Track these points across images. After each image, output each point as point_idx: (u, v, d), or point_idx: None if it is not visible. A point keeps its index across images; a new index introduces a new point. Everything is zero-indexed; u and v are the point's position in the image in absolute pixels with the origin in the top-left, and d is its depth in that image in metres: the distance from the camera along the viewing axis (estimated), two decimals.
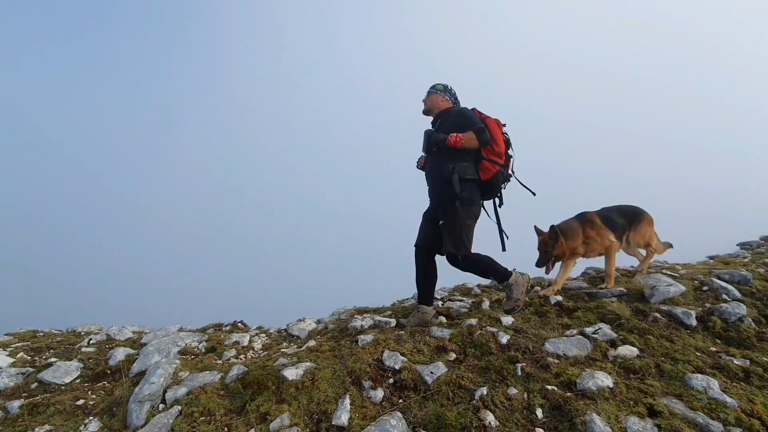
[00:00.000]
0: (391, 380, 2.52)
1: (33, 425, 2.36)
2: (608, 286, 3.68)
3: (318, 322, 3.69)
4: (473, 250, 3.19)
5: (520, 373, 2.51)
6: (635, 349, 2.72)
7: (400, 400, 2.39)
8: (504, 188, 3.38)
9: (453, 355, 2.75)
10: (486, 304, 3.56)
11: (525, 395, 2.37)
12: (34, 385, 2.83)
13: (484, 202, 3.37)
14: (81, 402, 2.57)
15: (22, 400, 2.59)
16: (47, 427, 2.33)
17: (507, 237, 3.31)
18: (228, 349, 3.09)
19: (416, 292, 3.37)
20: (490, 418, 2.16)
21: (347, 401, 2.32)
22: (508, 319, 3.12)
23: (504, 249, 3.28)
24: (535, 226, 3.81)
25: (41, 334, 3.89)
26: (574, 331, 2.95)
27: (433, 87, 3.53)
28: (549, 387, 2.38)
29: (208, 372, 2.70)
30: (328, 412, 2.27)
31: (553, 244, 3.65)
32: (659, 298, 3.42)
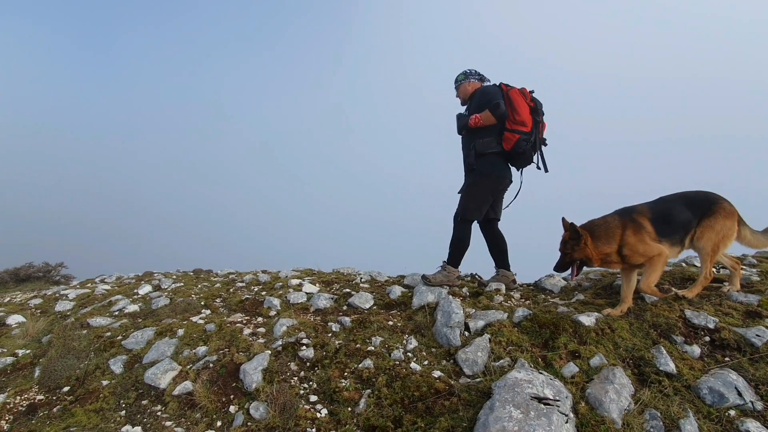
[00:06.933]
0: (707, 338, 2.43)
1: (366, 335, 3.03)
2: (619, 311, 2.75)
3: (565, 279, 3.76)
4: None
5: None
6: None
7: (726, 358, 2.29)
8: (537, 153, 3.52)
9: None
10: None
11: None
12: (344, 308, 3.62)
13: (523, 169, 3.65)
14: (391, 323, 3.18)
15: (349, 317, 3.33)
16: (380, 338, 2.95)
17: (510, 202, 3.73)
18: (495, 294, 3.40)
19: None
20: None
21: (664, 351, 2.33)
22: None
23: (507, 205, 3.76)
24: (563, 219, 2.89)
25: (316, 271, 4.91)
26: None
27: (455, 81, 3.84)
28: None
29: (493, 311, 3.03)
30: (646, 358, 2.33)
31: (573, 246, 2.82)
32: None
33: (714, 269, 3.39)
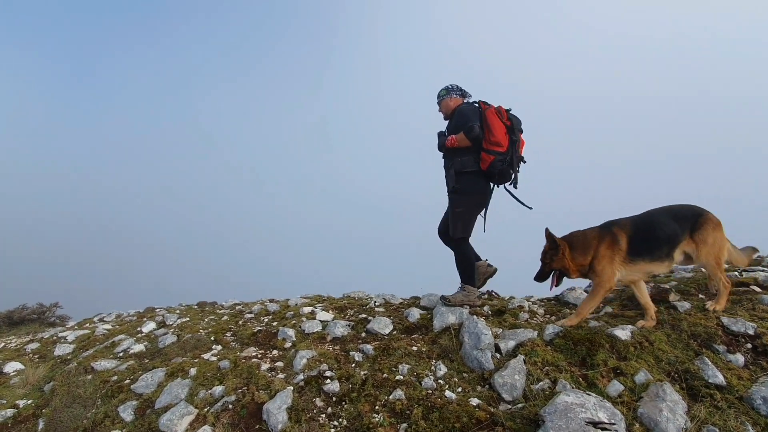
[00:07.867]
0: (748, 345, 2.36)
1: (392, 363, 2.89)
2: (651, 321, 2.73)
3: (585, 291, 3.68)
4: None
5: None
6: None
7: None
8: (515, 171, 3.48)
9: None
10: None
11: None
12: (363, 334, 3.48)
13: (504, 185, 3.56)
14: (415, 348, 3.05)
15: (371, 344, 3.20)
16: (407, 365, 2.82)
17: (530, 207, 3.49)
18: (519, 312, 3.30)
19: None
20: None
21: (710, 363, 2.25)
22: None
23: (530, 207, 3.49)
24: (546, 229, 2.89)
25: (326, 297, 4.77)
26: None
27: (438, 96, 3.84)
28: None
29: (521, 329, 2.93)
30: (692, 371, 2.24)
31: (552, 256, 2.86)
32: None
33: (737, 273, 3.36)
